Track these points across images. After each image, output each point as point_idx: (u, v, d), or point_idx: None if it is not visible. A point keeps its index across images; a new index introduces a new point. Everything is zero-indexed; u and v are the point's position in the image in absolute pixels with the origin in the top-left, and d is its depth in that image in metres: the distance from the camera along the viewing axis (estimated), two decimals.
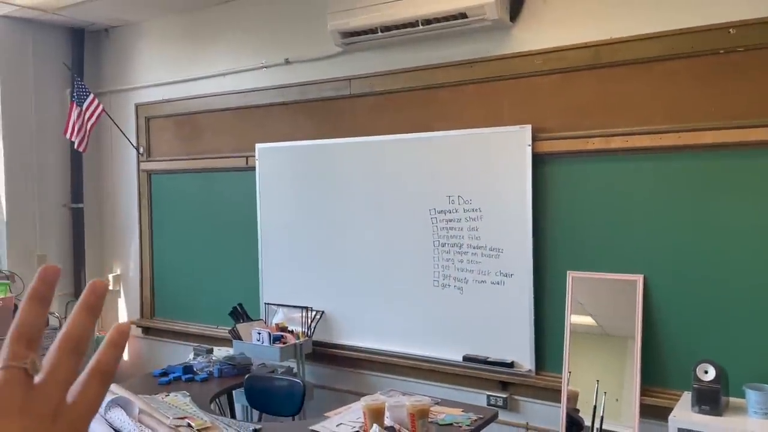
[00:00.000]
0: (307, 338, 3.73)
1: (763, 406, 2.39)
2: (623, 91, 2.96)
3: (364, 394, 2.80)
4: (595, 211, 3.03)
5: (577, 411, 2.98)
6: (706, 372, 2.46)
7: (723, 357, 2.63)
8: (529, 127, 3.14)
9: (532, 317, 3.17)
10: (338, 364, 3.83)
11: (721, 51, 2.72)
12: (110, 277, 4.99)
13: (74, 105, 4.34)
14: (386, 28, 3.37)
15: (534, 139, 3.13)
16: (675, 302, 2.84)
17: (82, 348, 0.42)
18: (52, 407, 0.40)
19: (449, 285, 3.43)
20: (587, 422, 2.92)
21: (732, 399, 2.56)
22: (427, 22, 3.26)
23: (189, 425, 2.38)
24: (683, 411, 2.50)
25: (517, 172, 3.18)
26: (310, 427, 2.52)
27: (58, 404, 0.40)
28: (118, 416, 2.44)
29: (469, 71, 3.36)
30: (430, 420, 2.40)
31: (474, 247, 3.34)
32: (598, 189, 3.03)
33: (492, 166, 3.27)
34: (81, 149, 4.36)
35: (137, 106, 4.77)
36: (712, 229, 2.77)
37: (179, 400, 2.83)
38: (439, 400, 2.81)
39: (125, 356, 4.95)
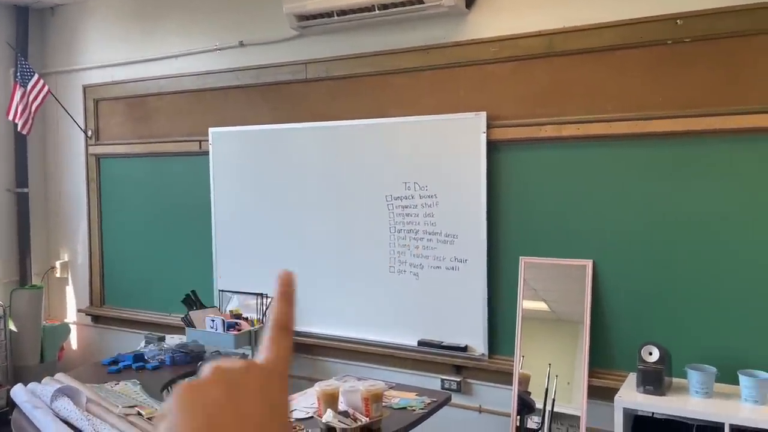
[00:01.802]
0: (262, 325, 3.70)
1: (704, 386, 2.48)
2: (576, 79, 3.00)
3: (319, 380, 2.80)
4: (548, 198, 3.09)
5: (529, 393, 3.04)
6: (651, 353, 2.54)
7: (667, 339, 2.72)
8: (483, 114, 3.16)
9: (486, 302, 3.22)
10: (294, 351, 3.80)
11: (669, 41, 2.79)
12: (57, 264, 4.84)
13: (18, 86, 4.17)
14: (342, 12, 3.34)
15: (489, 126, 3.16)
16: (622, 286, 2.92)
17: (290, 328, 0.49)
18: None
19: (405, 271, 3.44)
20: (539, 405, 2.99)
21: (675, 379, 2.65)
22: (384, 6, 3.24)
23: (139, 414, 2.34)
24: (628, 391, 2.58)
25: (472, 158, 3.21)
26: None
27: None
28: (64, 406, 2.37)
29: (425, 57, 3.36)
30: (384, 404, 2.41)
31: (429, 233, 3.36)
32: (551, 176, 3.08)
33: (447, 153, 3.28)
34: (25, 132, 4.21)
35: (85, 88, 4.62)
36: (658, 215, 2.85)
37: (129, 388, 2.77)
38: (394, 385, 2.83)
39: (74, 345, 4.83)
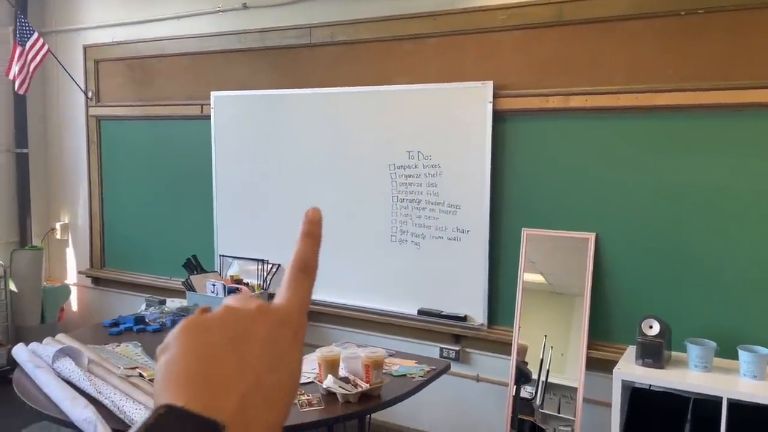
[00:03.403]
0: (262, 291, 3.71)
1: (703, 360, 2.49)
2: (585, 49, 2.96)
3: (319, 347, 2.82)
4: (552, 170, 3.06)
5: (526, 364, 3.07)
6: (651, 327, 2.55)
7: (668, 313, 2.73)
8: (490, 84, 3.12)
9: (487, 273, 3.22)
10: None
11: (682, 12, 2.74)
12: (57, 225, 4.83)
13: (17, 44, 4.10)
14: None
15: (495, 95, 3.12)
16: (624, 260, 2.92)
17: (313, 271, 0.47)
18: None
19: (406, 240, 3.44)
20: (534, 375, 3.01)
21: (674, 353, 2.66)
22: None
23: (141, 375, 2.35)
24: (627, 364, 2.59)
25: (478, 128, 3.17)
26: None
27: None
28: (66, 366, 2.38)
29: (432, 24, 3.30)
30: (384, 371, 2.42)
31: (432, 203, 3.35)
32: (556, 148, 3.05)
33: (453, 122, 3.25)
34: (22, 91, 4.16)
35: (85, 48, 4.54)
36: (664, 189, 2.83)
37: (130, 350, 2.78)
38: (394, 352, 2.84)
39: (74, 307, 4.85)
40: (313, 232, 0.48)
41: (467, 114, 3.20)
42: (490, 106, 3.13)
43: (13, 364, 4.09)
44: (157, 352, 0.41)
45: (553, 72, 3.02)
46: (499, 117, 3.14)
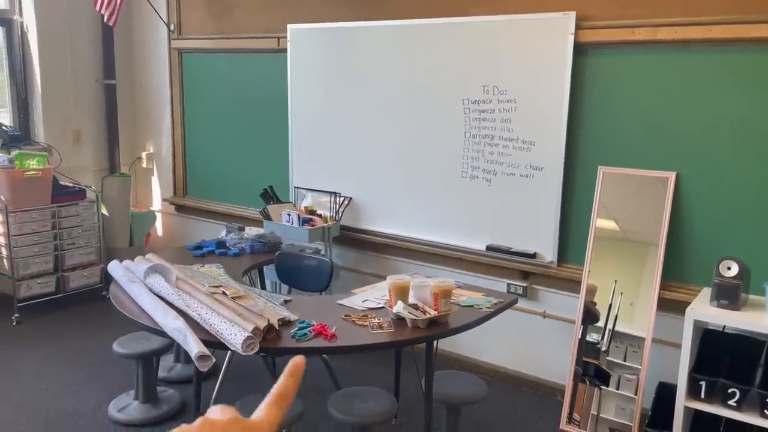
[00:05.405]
0: (335, 222, 3.82)
1: None
2: None
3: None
4: (635, 106, 2.96)
5: (594, 304, 3.06)
6: (729, 268, 2.48)
7: (747, 256, 2.64)
8: (573, 14, 3.01)
9: (559, 210, 3.19)
10: (364, 249, 3.94)
11: None
12: (143, 155, 5.09)
13: None
14: None
15: (577, 27, 3.01)
16: (704, 200, 2.83)
17: (287, 403, 0.56)
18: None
19: (477, 177, 3.44)
20: (602, 319, 2.99)
21: (752, 296, 2.60)
22: None
23: (224, 293, 2.51)
24: (701, 304, 2.55)
25: (557, 62, 3.09)
26: (338, 302, 2.63)
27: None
28: (157, 281, 2.57)
29: None
30: (452, 301, 2.48)
31: (506, 139, 3.31)
32: (640, 83, 2.93)
33: (531, 56, 3.17)
34: (110, 23, 4.31)
35: None
36: (753, 127, 2.69)
37: (214, 270, 2.96)
38: (462, 284, 2.90)
39: (159, 232, 5.14)
40: (296, 373, 0.57)
41: (546, 47, 3.11)
42: (571, 38, 3.02)
43: (105, 281, 4.43)
44: None
45: (640, 1, 2.88)
46: (580, 50, 3.03)
